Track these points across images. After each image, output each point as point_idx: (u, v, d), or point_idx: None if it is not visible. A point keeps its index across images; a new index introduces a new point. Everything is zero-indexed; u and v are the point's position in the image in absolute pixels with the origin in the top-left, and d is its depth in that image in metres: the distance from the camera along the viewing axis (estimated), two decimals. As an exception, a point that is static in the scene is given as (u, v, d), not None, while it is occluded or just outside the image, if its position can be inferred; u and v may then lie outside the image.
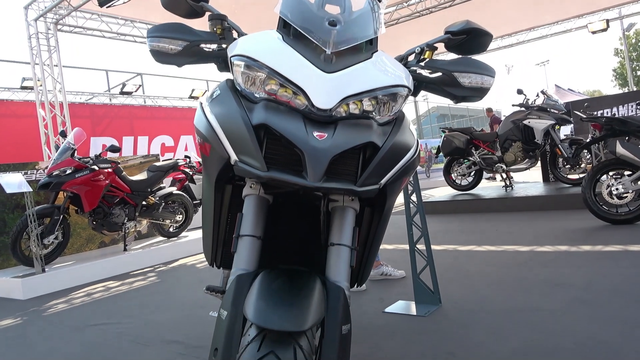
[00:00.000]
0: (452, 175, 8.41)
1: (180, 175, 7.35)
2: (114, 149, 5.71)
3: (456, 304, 3.05)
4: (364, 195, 1.17)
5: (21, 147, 9.65)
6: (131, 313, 3.82)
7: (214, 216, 1.40)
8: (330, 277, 1.19)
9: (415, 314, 2.95)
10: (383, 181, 1.20)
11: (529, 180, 9.58)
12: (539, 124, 7.23)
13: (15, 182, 5.09)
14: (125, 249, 6.27)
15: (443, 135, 8.18)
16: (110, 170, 5.89)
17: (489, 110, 13.31)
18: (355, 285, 1.55)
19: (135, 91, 13.24)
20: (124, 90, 13.05)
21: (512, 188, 7.89)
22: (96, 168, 5.69)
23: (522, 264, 3.86)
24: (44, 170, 6.40)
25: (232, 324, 1.03)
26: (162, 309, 3.82)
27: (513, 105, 7.66)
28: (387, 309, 3.12)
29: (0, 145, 9.62)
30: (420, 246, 3.13)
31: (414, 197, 3.17)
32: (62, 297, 4.80)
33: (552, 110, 7.22)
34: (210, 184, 1.32)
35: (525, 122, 7.33)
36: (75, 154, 5.66)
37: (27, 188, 5.11)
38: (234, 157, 1.15)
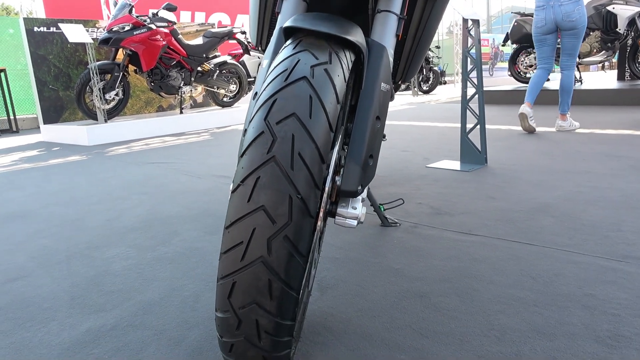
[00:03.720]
0: (518, 65, 7.88)
1: (235, 51, 7.30)
2: (170, 7, 5.68)
3: (502, 164, 3.00)
4: None
5: (81, 4, 9.80)
6: (187, 157, 4.05)
7: None
8: (375, 39, 1.17)
9: (459, 169, 2.94)
10: None
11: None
12: (625, 11, 6.49)
13: (76, 32, 5.23)
14: (181, 112, 6.49)
15: (514, 20, 7.55)
16: (167, 31, 5.91)
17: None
18: (400, 84, 1.52)
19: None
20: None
21: (581, 83, 7.34)
22: (153, 27, 5.72)
23: (579, 142, 3.69)
24: (103, 29, 6.52)
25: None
26: (214, 157, 4.02)
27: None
28: (430, 164, 3.12)
29: (60, 3, 9.83)
30: (473, 105, 3.02)
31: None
32: (122, 145, 5.13)
33: (642, -3, 6.42)
34: None
35: (609, 7, 6.59)
36: (133, 11, 5.68)
37: (87, 39, 5.25)
38: None
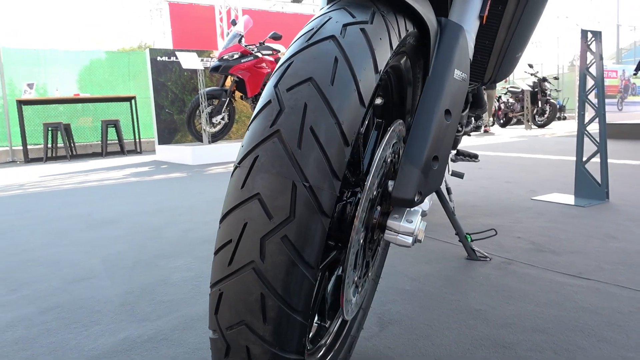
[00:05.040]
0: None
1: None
2: (276, 36, 5.88)
3: (628, 201, 2.52)
4: None
5: (202, 36, 10.65)
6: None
7: None
8: (452, 19, 0.97)
9: (572, 204, 2.52)
10: None
11: None
12: None
13: (190, 59, 5.61)
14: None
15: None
16: (272, 59, 6.12)
17: None
18: (488, 83, 1.27)
19: None
20: (295, -1, 13.32)
21: None
22: (259, 55, 5.96)
23: None
24: (215, 58, 6.96)
25: None
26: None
27: None
28: (537, 197, 2.73)
29: (184, 36, 10.80)
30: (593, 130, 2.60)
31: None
32: (220, 166, 5.32)
33: None
34: None
35: None
36: (243, 41, 5.98)
37: (199, 65, 5.61)
38: None
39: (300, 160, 0.53)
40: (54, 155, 8.25)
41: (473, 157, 2.00)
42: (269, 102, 0.57)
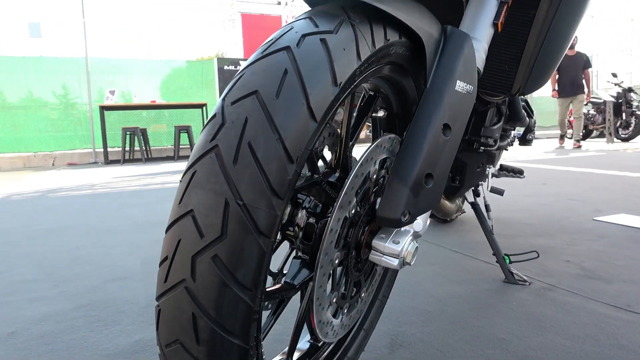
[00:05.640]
0: None
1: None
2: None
3: None
4: None
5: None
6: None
7: None
8: (462, 28, 0.90)
9: None
10: None
11: None
12: None
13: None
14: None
15: None
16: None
17: None
18: (515, 95, 1.17)
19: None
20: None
21: None
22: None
23: None
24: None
25: None
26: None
27: None
28: (600, 217, 2.50)
29: (254, 46, 11.16)
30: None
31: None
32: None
33: None
34: None
35: None
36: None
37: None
38: None
39: (234, 177, 0.51)
40: (131, 157, 8.81)
41: (517, 173, 1.87)
42: (214, 116, 0.55)
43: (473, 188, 1.66)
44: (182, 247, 0.51)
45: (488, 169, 1.73)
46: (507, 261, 1.60)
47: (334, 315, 0.80)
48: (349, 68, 0.59)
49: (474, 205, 1.66)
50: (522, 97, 1.52)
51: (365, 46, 0.62)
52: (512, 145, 1.56)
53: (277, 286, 0.72)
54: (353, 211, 0.72)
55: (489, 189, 1.74)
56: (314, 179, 0.73)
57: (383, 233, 0.78)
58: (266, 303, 0.77)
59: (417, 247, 0.80)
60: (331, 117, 0.60)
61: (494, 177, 1.96)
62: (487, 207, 1.66)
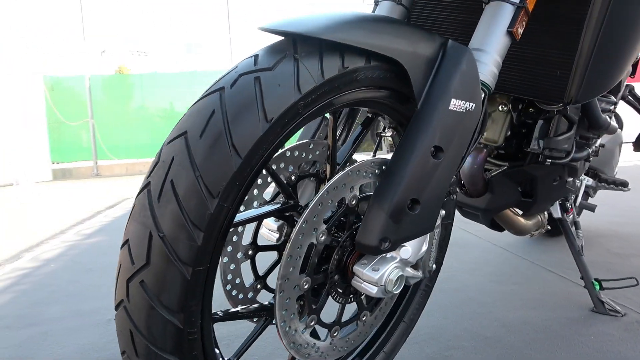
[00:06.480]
0: None
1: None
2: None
3: None
4: None
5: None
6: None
7: None
8: (473, 45, 0.83)
9: None
10: None
11: None
12: None
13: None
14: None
15: None
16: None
17: None
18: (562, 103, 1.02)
19: None
20: None
21: None
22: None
23: None
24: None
25: None
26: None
27: None
28: None
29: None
30: None
31: None
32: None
33: None
34: None
35: None
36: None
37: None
38: None
39: (157, 212, 0.57)
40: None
41: (620, 185, 1.60)
42: (156, 155, 0.62)
43: (560, 203, 1.48)
44: (121, 271, 0.59)
45: (579, 181, 1.53)
46: (597, 287, 1.40)
47: (323, 337, 0.82)
48: (283, 103, 0.61)
49: (561, 222, 1.48)
50: (609, 99, 1.31)
51: (310, 79, 0.63)
52: (596, 155, 1.35)
53: (239, 308, 0.77)
54: (323, 237, 0.73)
55: (578, 204, 1.54)
56: (285, 205, 0.76)
57: (366, 259, 0.77)
58: (255, 319, 0.82)
59: (400, 275, 0.77)
60: (269, 151, 0.63)
61: (591, 190, 1.72)
62: (575, 224, 1.47)
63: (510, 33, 0.83)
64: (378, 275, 0.75)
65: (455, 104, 0.76)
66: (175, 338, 0.59)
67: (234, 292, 0.84)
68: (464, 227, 2.34)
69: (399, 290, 0.78)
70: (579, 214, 2.00)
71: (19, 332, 1.45)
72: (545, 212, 1.49)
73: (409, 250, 0.78)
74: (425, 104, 0.76)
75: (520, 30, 0.84)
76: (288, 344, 0.74)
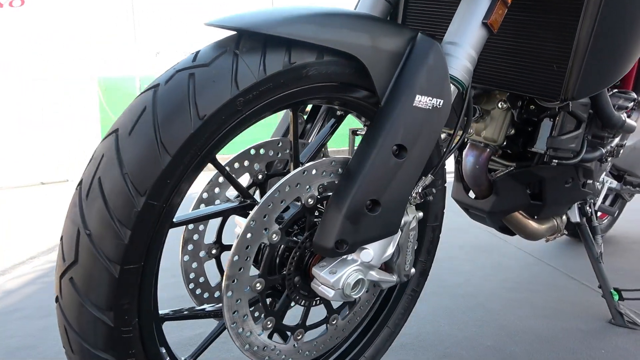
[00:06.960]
0: None
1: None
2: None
3: None
4: None
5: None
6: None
7: None
8: (447, 39, 0.78)
9: None
10: None
11: None
12: None
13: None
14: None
15: None
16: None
17: None
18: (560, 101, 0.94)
19: None
20: None
21: None
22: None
23: None
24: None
25: None
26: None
27: None
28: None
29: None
30: None
31: None
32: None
33: None
34: None
35: None
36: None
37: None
38: None
39: (85, 209, 0.57)
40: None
41: (648, 186, 1.47)
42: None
43: (579, 206, 1.38)
44: (56, 267, 0.60)
45: (599, 184, 1.43)
46: (617, 298, 1.30)
47: (283, 340, 0.80)
48: (218, 100, 0.59)
49: (580, 227, 1.38)
50: (628, 96, 1.20)
51: (249, 74, 0.61)
52: (614, 155, 1.24)
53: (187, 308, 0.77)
54: (276, 238, 0.71)
55: (597, 207, 1.43)
56: (244, 204, 0.75)
57: (325, 261, 0.75)
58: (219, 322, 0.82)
59: (360, 278, 0.74)
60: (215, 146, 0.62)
61: (626, 194, 1.59)
62: (594, 229, 1.37)
63: (485, 25, 0.78)
64: (334, 279, 0.72)
65: (421, 101, 0.72)
66: (107, 336, 0.59)
67: (199, 291, 0.84)
68: (490, 230, 2.24)
69: (360, 294, 0.75)
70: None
71: (36, 322, 1.52)
72: (564, 216, 1.40)
73: (370, 253, 0.75)
74: (389, 100, 0.73)
75: (499, 22, 0.79)
76: (242, 345, 0.73)
